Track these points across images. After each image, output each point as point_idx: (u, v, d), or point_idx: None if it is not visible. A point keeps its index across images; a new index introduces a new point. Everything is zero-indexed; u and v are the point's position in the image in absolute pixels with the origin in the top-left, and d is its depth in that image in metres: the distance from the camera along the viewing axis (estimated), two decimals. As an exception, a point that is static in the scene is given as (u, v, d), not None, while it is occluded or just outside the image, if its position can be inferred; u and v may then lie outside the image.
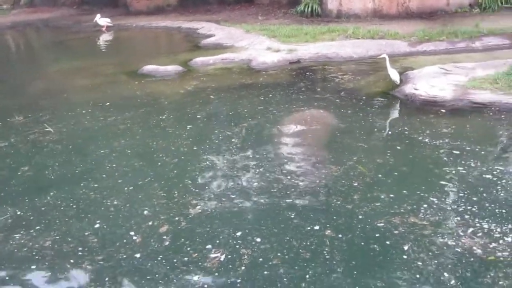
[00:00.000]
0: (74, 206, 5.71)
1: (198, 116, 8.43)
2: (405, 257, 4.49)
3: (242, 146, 7.11)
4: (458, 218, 5.02)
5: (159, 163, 6.69)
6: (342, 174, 6.11)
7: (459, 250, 4.54)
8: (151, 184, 6.13)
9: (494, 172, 5.89)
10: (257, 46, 13.68)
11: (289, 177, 6.12)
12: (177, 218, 5.32)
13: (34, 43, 20.08)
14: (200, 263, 4.57)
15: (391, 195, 5.52)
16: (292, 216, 5.24)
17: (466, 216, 5.04)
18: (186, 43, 15.93)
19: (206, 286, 4.28)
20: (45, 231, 5.25)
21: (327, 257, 4.55)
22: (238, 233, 4.98)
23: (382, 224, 4.97)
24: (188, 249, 4.79)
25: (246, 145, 7.16)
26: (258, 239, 4.87)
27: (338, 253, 4.61)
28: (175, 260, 4.64)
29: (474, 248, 4.54)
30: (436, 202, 5.33)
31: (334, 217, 5.17)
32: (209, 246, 4.80)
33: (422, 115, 7.82)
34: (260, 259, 4.57)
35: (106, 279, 4.45)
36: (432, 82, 8.83)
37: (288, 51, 12.54)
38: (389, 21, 15.59)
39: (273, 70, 11.38)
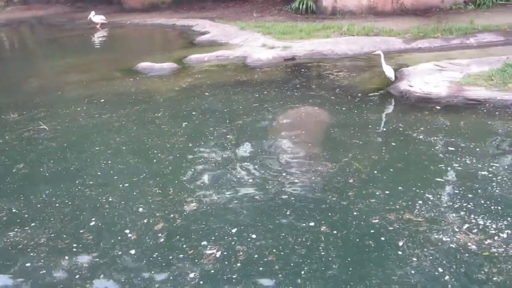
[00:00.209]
0: (69, 203, 5.70)
1: (193, 113, 8.42)
2: (400, 253, 4.50)
3: (237, 143, 7.11)
4: (454, 215, 5.03)
5: (154, 160, 6.69)
6: (337, 170, 6.11)
7: (454, 246, 4.55)
8: (146, 181, 6.13)
9: (490, 169, 5.91)
10: (252, 43, 13.67)
11: (284, 174, 6.13)
12: (172, 215, 5.32)
13: (28, 41, 20.00)
14: (196, 260, 4.57)
15: (386, 192, 5.53)
16: (288, 213, 5.24)
17: (462, 213, 5.06)
18: (180, 40, 15.89)
19: (201, 282, 4.28)
20: (40, 228, 5.24)
21: (322, 253, 4.56)
22: (234, 230, 4.99)
23: (377, 221, 4.98)
24: (184, 246, 4.80)
25: (241, 142, 7.17)
26: (254, 236, 4.88)
27: (333, 249, 4.62)
28: (170, 257, 4.64)
29: (469, 244, 4.56)
30: (431, 198, 5.35)
31: (329, 214, 5.18)
32: (204, 243, 4.81)
33: (417, 112, 7.84)
34: (256, 256, 4.58)
35: (101, 276, 4.46)
36: (427, 79, 8.85)
37: (283, 48, 12.55)
38: (383, 18, 15.60)
39: (268, 67, 11.37)
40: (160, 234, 5.01)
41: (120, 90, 10.14)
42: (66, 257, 4.74)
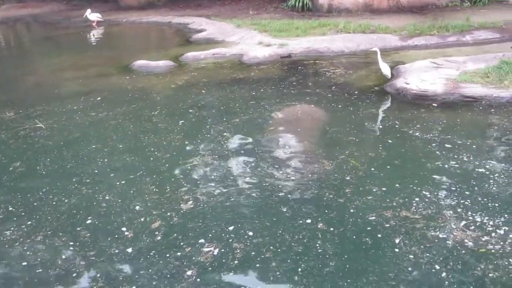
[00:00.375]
0: (66, 201, 5.69)
1: (189, 111, 8.41)
2: (396, 250, 4.51)
3: (233, 141, 7.11)
4: (450, 212, 5.04)
5: (151, 158, 6.68)
6: (334, 168, 6.12)
7: (450, 243, 4.56)
8: (142, 179, 6.12)
9: (487, 166, 5.92)
10: (248, 40, 13.67)
11: (281, 171, 6.13)
12: (169, 213, 5.32)
13: (24, 39, 19.93)
14: (193, 258, 4.57)
15: (383, 189, 5.54)
16: (284, 210, 5.25)
17: (458, 210, 5.07)
18: (177, 38, 15.88)
19: (199, 280, 4.28)
20: (37, 226, 5.23)
21: (319, 250, 4.57)
22: (231, 227, 4.99)
23: (374, 218, 4.99)
24: (181, 243, 4.79)
25: (237, 140, 7.16)
26: (251, 233, 4.88)
27: (330, 246, 4.62)
28: (168, 255, 4.64)
29: (466, 241, 4.57)
30: (428, 195, 5.36)
31: (326, 211, 5.18)
32: (202, 241, 4.81)
33: (414, 109, 7.85)
34: (253, 253, 4.58)
35: (98, 275, 4.45)
36: (423, 76, 8.86)
37: (279, 45, 12.54)
38: (380, 15, 15.62)
39: (264, 64, 11.37)
40: (157, 232, 5.00)
41: (116, 88, 10.13)
42: (63, 255, 4.73)
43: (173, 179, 6.07)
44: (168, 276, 4.37)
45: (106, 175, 6.30)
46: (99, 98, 9.42)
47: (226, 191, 5.71)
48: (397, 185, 5.61)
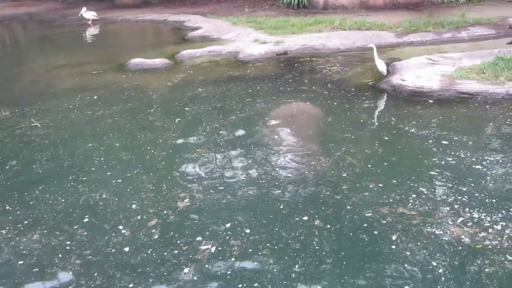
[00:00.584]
0: (62, 200, 5.68)
1: (186, 109, 8.40)
2: (393, 247, 4.52)
3: (230, 139, 7.10)
4: (447, 208, 5.05)
5: (147, 156, 6.68)
6: (331, 165, 6.12)
7: (447, 239, 4.57)
8: (139, 177, 6.11)
9: (483, 162, 5.93)
10: (244, 38, 13.66)
11: (277, 168, 6.14)
12: (166, 211, 5.31)
13: (19, 37, 19.86)
14: (191, 256, 4.57)
15: (380, 185, 5.55)
16: (281, 207, 5.25)
17: (455, 206, 5.08)
18: (172, 36, 15.85)
19: (196, 278, 4.28)
20: (33, 225, 5.22)
21: (316, 247, 4.57)
22: (228, 225, 4.99)
23: (370, 214, 5.00)
24: (178, 242, 4.79)
25: (234, 137, 7.16)
26: (248, 230, 4.88)
27: (327, 243, 4.63)
28: (165, 253, 4.63)
29: (463, 237, 4.58)
30: (424, 192, 5.37)
31: (323, 208, 5.19)
32: (199, 238, 4.81)
33: (410, 106, 7.86)
34: (250, 250, 4.59)
35: (95, 273, 4.44)
36: (419, 73, 8.87)
37: (275, 43, 12.55)
38: (375, 12, 15.63)
39: (260, 62, 11.37)
40: (154, 230, 5.00)
41: (112, 87, 10.10)
42: (60, 255, 4.72)
43: (169, 177, 6.07)
44: (165, 274, 4.36)
45: (102, 173, 6.29)
46: (95, 97, 9.40)
47: (223, 189, 5.71)
48: (393, 181, 5.62)
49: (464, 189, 5.38)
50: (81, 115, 8.43)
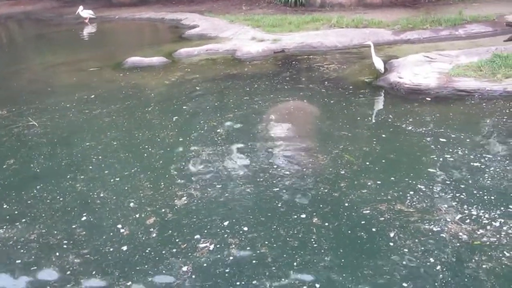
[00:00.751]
0: (60, 199, 5.68)
1: (183, 107, 8.40)
2: (391, 244, 4.52)
3: (227, 137, 7.10)
4: (445, 205, 5.06)
5: (145, 155, 6.67)
6: (329, 162, 6.13)
7: (445, 236, 4.58)
8: (137, 176, 6.11)
9: (481, 159, 5.94)
10: (242, 36, 13.67)
11: (275, 166, 6.13)
12: (164, 209, 5.31)
13: (16, 36, 19.82)
14: (189, 254, 4.57)
15: (378, 183, 5.55)
16: (279, 205, 5.25)
17: (453, 203, 5.08)
18: (170, 34, 15.85)
19: (194, 276, 4.28)
20: (31, 224, 5.22)
21: (315, 245, 4.58)
22: (226, 223, 4.99)
23: (368, 212, 5.00)
24: (177, 240, 4.79)
25: (231, 136, 7.16)
26: (246, 228, 4.88)
27: (325, 241, 4.63)
28: (163, 252, 4.63)
29: (460, 234, 4.59)
30: (422, 189, 5.37)
31: (321, 205, 5.19)
32: (197, 236, 4.80)
33: (407, 104, 7.86)
34: (248, 248, 4.59)
35: (93, 272, 4.44)
36: (416, 70, 8.88)
37: (272, 41, 12.56)
38: (372, 9, 15.65)
39: (258, 60, 11.37)
40: (152, 229, 5.00)
41: (110, 85, 10.09)
42: (57, 253, 4.72)
43: (167, 175, 6.07)
44: (164, 272, 4.36)
45: (100, 172, 6.29)
46: (92, 95, 9.39)
47: (221, 187, 5.71)
48: (391, 178, 5.62)
49: (461, 186, 5.38)
50: (79, 114, 8.42)
